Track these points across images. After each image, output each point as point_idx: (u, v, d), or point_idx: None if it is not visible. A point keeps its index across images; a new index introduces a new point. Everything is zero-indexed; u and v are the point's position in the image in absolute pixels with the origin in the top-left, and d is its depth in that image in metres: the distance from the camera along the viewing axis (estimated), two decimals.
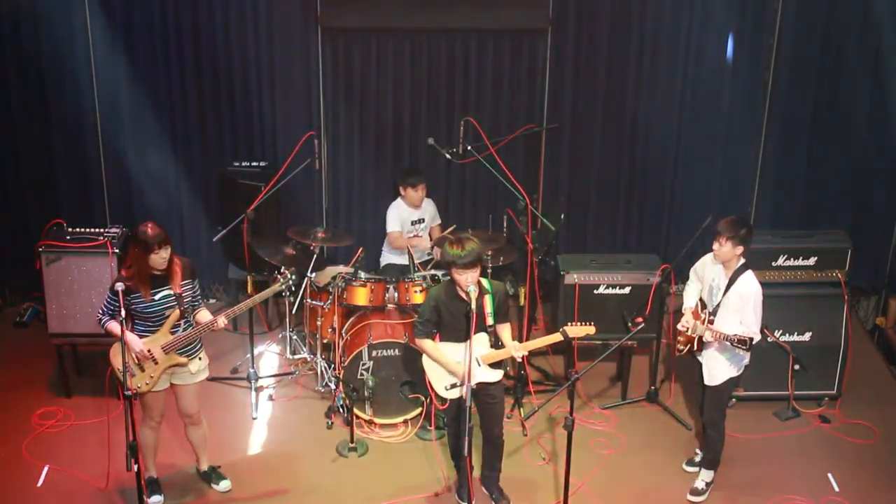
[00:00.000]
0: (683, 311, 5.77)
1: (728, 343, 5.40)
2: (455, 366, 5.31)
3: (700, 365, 5.72)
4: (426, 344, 5.41)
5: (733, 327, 5.45)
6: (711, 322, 5.55)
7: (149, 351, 5.22)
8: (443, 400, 5.46)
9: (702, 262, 5.78)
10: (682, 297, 5.91)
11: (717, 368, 5.62)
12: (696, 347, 5.67)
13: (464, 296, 5.21)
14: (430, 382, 5.50)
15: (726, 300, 5.51)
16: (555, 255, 7.02)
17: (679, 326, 5.71)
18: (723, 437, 5.75)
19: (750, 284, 5.46)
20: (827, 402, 6.68)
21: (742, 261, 5.52)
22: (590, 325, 5.32)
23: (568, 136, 7.87)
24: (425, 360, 5.48)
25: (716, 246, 5.49)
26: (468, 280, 5.13)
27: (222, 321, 5.31)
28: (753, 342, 5.36)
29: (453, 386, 5.38)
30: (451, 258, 5.14)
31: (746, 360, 5.63)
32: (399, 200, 7.33)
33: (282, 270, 5.95)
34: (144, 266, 5.12)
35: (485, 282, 5.31)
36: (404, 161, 7.84)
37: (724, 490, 5.84)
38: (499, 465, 5.69)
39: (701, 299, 5.75)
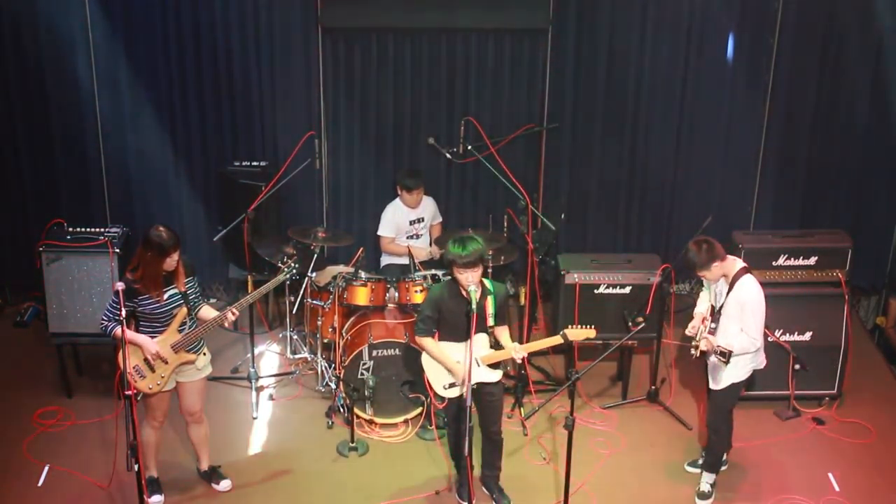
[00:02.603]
0: (694, 315, 5.65)
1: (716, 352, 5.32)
2: (455, 365, 5.31)
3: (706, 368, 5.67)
4: (426, 342, 5.40)
5: (734, 334, 5.36)
6: (712, 331, 5.45)
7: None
8: (441, 399, 5.46)
9: None
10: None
11: (720, 373, 5.51)
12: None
13: (465, 294, 5.21)
14: (428, 381, 5.51)
15: (726, 307, 5.42)
16: (555, 254, 7.02)
17: (687, 331, 5.60)
18: (724, 441, 5.72)
19: (747, 290, 5.34)
20: (827, 401, 6.68)
21: (739, 266, 5.40)
22: (590, 328, 5.28)
23: (568, 136, 7.86)
24: (424, 358, 5.48)
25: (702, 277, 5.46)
26: (469, 280, 5.12)
27: (232, 314, 5.32)
28: (732, 355, 5.27)
29: (451, 385, 5.38)
30: (452, 257, 5.14)
31: (756, 365, 5.54)
32: (397, 200, 7.33)
33: (284, 260, 6.06)
34: (158, 269, 5.12)
35: (487, 283, 5.30)
36: (404, 161, 7.84)
37: (724, 490, 5.83)
38: (499, 464, 5.69)
39: (712, 305, 5.62)
